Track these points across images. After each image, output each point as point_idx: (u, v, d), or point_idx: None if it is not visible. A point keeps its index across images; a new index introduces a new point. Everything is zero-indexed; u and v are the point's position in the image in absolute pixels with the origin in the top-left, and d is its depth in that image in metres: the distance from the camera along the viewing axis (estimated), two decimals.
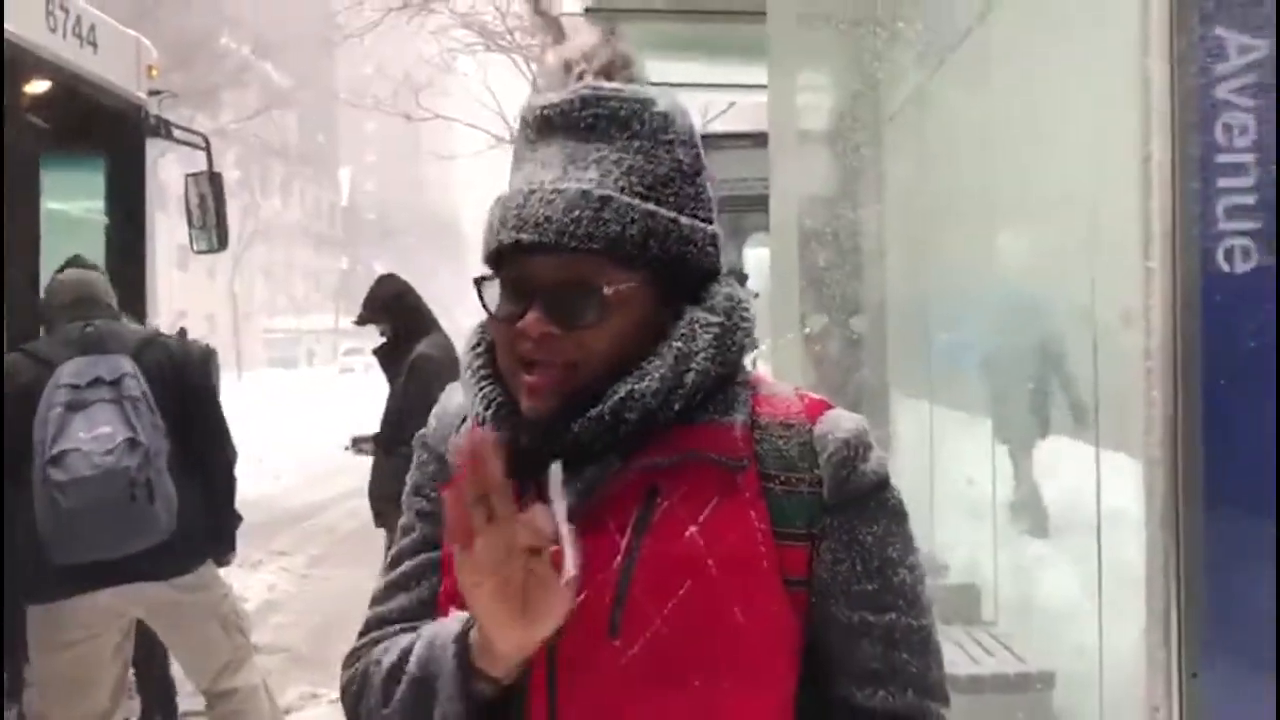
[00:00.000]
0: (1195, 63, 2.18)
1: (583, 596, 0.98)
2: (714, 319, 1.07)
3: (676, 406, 1.04)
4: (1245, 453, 2.15)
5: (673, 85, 6.65)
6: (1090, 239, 3.14)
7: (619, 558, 1.01)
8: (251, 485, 13.69)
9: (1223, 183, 2.17)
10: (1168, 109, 2.19)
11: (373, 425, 4.65)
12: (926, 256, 4.98)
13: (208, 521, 3.34)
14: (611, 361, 1.04)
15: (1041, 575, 3.73)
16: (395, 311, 4.68)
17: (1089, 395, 3.28)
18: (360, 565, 8.23)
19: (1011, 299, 4.25)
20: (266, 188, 55.54)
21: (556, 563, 0.93)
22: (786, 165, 4.57)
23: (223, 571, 3.47)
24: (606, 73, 1.10)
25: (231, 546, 3.49)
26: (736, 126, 9.59)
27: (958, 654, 3.43)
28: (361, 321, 4.76)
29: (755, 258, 6.12)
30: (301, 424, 20.34)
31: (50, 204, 5.16)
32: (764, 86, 5.50)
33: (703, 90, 7.50)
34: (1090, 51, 2.98)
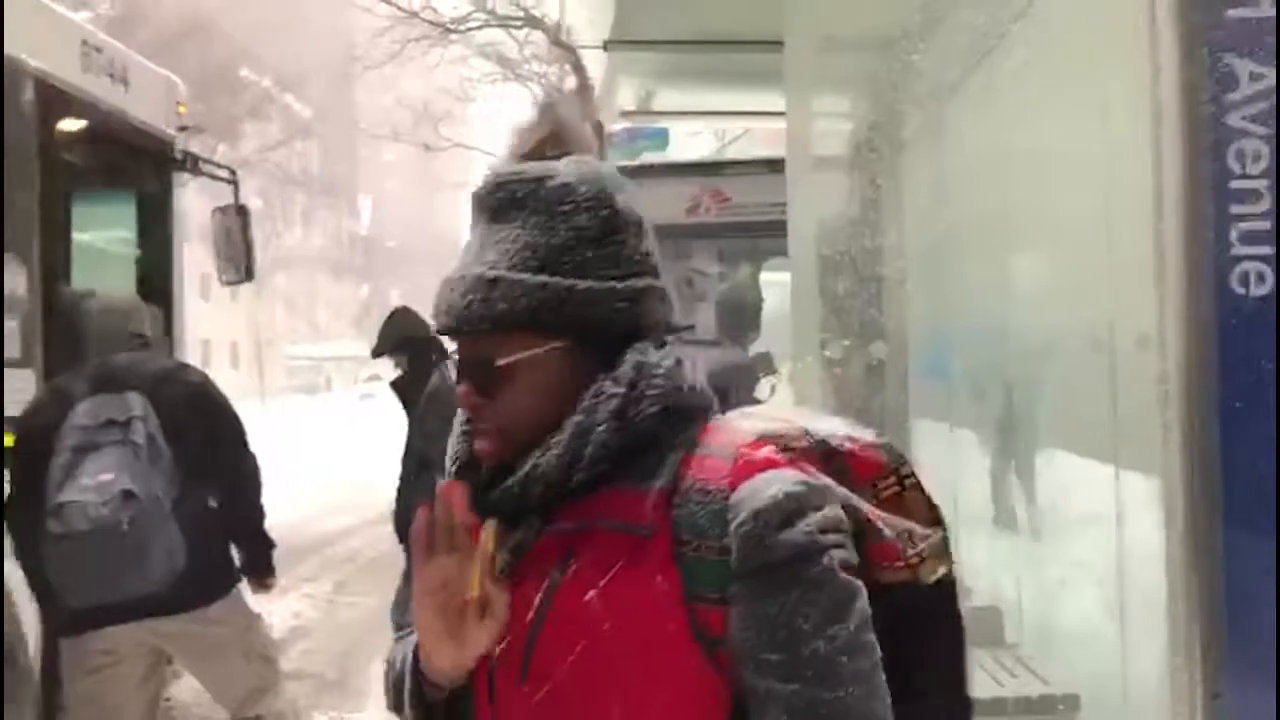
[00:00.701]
0: (1206, 91, 2.23)
1: (506, 642, 1.10)
2: (617, 390, 1.10)
3: (577, 478, 1.10)
4: (1264, 474, 2.17)
5: (688, 113, 6.74)
6: (1105, 264, 3.18)
7: (530, 613, 1.10)
8: (275, 513, 13.75)
9: (1236, 209, 2.20)
10: (1179, 136, 2.23)
11: (394, 448, 4.71)
12: (944, 282, 5.02)
13: (240, 551, 3.38)
14: (533, 427, 1.12)
15: (1064, 598, 3.74)
16: (410, 344, 4.74)
17: (1104, 418, 3.31)
18: (384, 592, 8.28)
19: (1027, 324, 4.29)
20: (288, 217, 55.99)
21: (484, 604, 1.08)
22: (804, 190, 4.62)
23: (248, 599, 3.48)
24: (539, 152, 1.17)
25: (269, 571, 3.51)
26: (752, 152, 9.68)
27: (981, 677, 3.45)
28: (377, 354, 4.84)
29: (772, 281, 6.17)
30: (324, 451, 20.46)
31: (81, 237, 5.28)
32: (780, 113, 5.58)
33: (719, 118, 7.58)
34: (1102, 80, 3.02)
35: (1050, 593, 3.91)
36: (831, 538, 1.08)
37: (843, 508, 1.11)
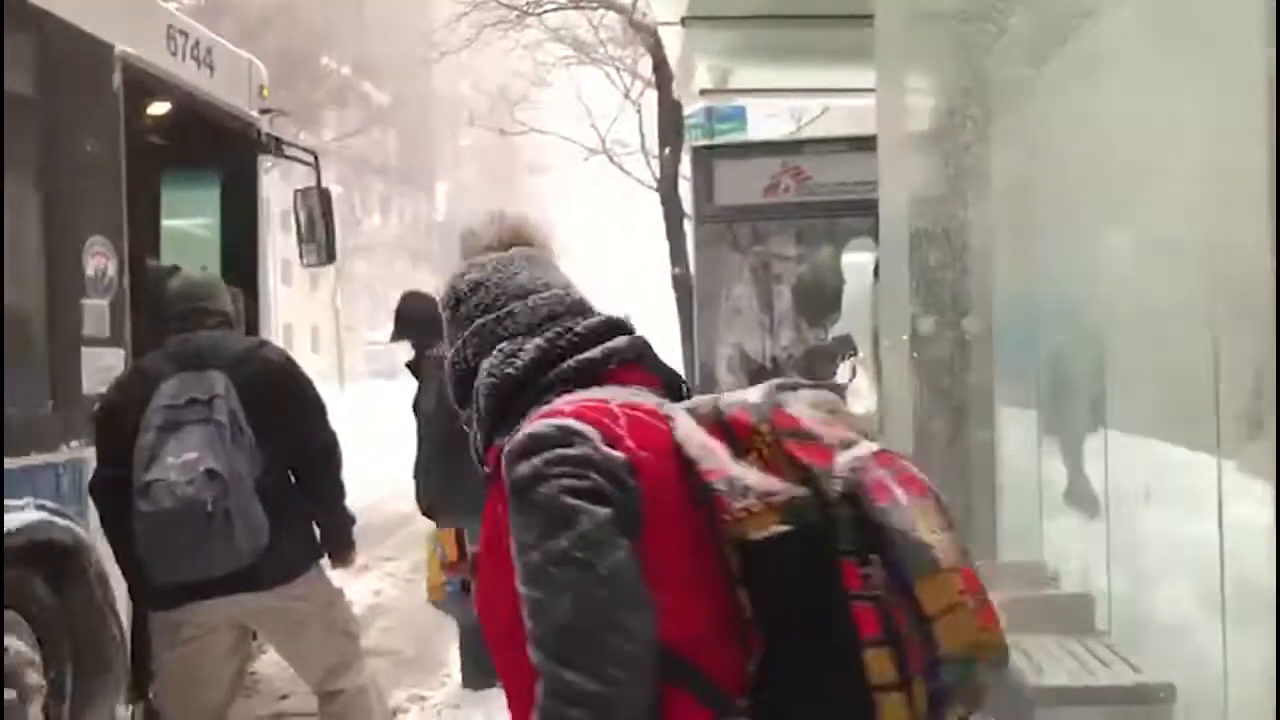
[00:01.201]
0: None
1: None
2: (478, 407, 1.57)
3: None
4: None
5: (767, 91, 6.63)
6: (1210, 240, 3.04)
7: None
8: (354, 494, 13.99)
9: None
10: None
11: None
12: (1034, 256, 4.88)
13: (321, 527, 3.41)
14: None
15: (1159, 585, 3.61)
16: (420, 326, 4.81)
17: (1205, 399, 3.17)
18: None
19: (1122, 302, 4.14)
20: (367, 204, 56.83)
21: None
22: (896, 166, 4.51)
23: (334, 574, 3.49)
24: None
25: (349, 546, 3.53)
26: (831, 132, 9.51)
27: (1072, 665, 3.34)
28: (394, 338, 4.98)
29: (852, 264, 6.06)
30: (401, 433, 20.75)
31: (168, 220, 5.39)
32: (861, 90, 5.45)
33: (799, 95, 7.45)
34: (1208, 44, 2.88)
35: (1143, 580, 3.78)
36: (558, 469, 1.32)
37: (687, 464, 1.33)
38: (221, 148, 5.15)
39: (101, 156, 3.97)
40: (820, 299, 5.96)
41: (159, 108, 4.70)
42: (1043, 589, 3.88)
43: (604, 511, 1.30)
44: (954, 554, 1.31)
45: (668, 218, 8.68)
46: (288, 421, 3.21)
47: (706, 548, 1.34)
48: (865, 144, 6.50)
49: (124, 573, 3.26)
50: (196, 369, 3.12)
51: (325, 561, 3.53)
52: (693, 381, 7.00)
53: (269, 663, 5.28)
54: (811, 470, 1.31)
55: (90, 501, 3.37)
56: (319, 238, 5.60)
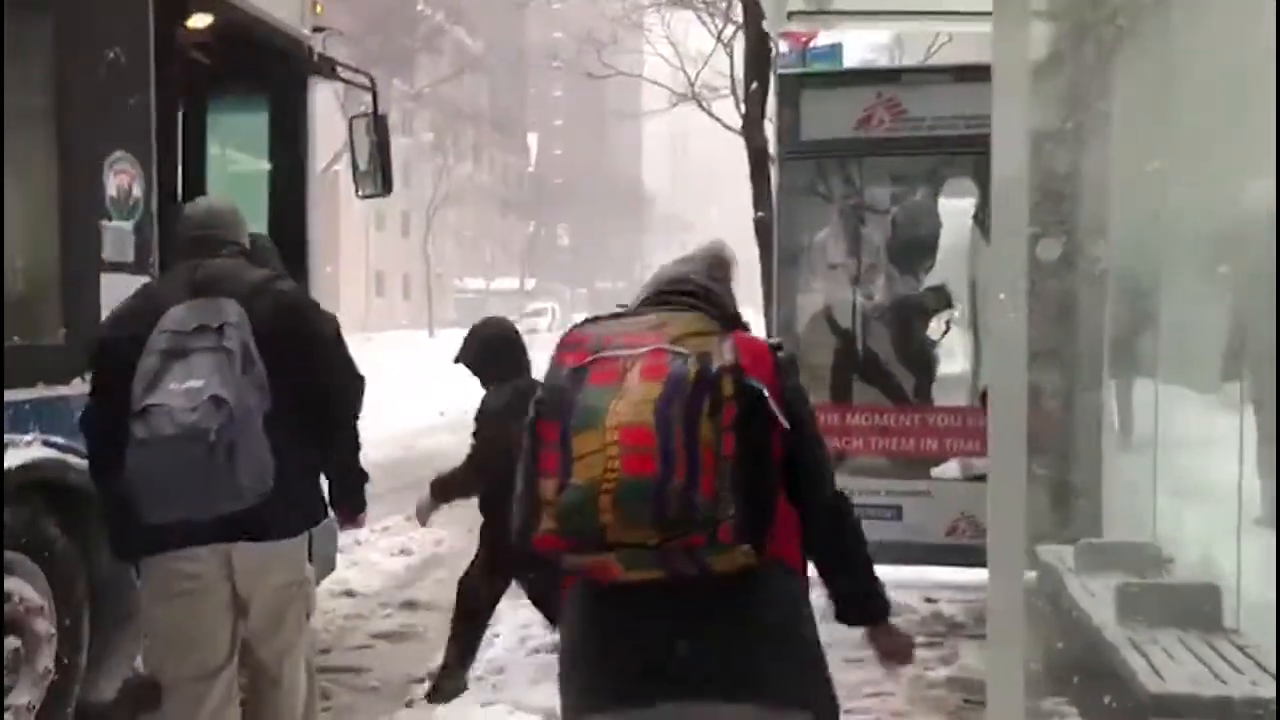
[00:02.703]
0: None
1: None
2: None
3: None
4: None
5: (864, 14, 6.04)
6: None
7: None
8: (427, 437, 13.93)
9: None
10: None
11: None
12: (1156, 201, 4.31)
13: (331, 480, 3.13)
14: None
15: None
16: (473, 363, 4.62)
17: None
18: None
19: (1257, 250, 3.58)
20: (459, 152, 57.00)
21: None
22: (1013, 100, 3.97)
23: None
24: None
25: (360, 504, 3.24)
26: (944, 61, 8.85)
27: (1197, 669, 2.86)
28: (457, 361, 4.70)
29: (951, 208, 5.51)
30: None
31: (212, 149, 5.09)
32: (980, 13, 4.87)
33: (902, 19, 6.84)
34: None
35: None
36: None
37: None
38: (268, 68, 4.81)
39: (127, 66, 3.65)
40: (914, 245, 5.44)
41: (197, 19, 4.37)
42: (1157, 575, 3.38)
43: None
44: (631, 417, 1.80)
45: (752, 159, 8.16)
46: (303, 361, 2.93)
47: None
48: (968, 74, 5.93)
49: (110, 516, 2.95)
50: (207, 296, 2.87)
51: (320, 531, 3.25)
52: (771, 332, 6.54)
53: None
54: (559, 369, 1.96)
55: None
56: (375, 167, 5.24)
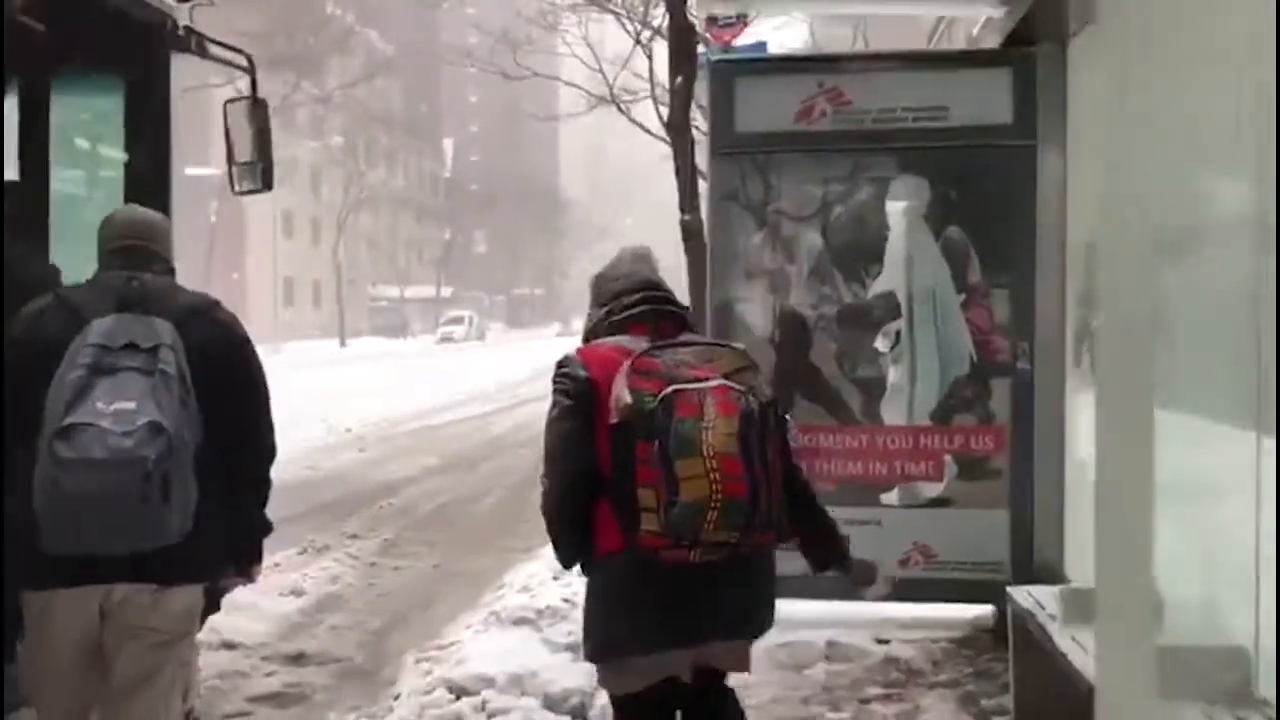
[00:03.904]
0: None
1: None
2: None
3: None
4: None
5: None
6: None
7: None
8: (332, 456, 13.16)
9: None
10: None
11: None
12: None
13: (236, 529, 2.88)
14: None
15: None
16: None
17: None
18: (432, 553, 7.45)
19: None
20: (371, 157, 55.73)
21: None
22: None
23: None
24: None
25: (258, 558, 2.99)
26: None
27: None
28: None
29: (899, 208, 5.03)
30: (397, 395, 19.80)
31: (55, 136, 4.37)
32: None
33: (826, 6, 6.35)
34: None
35: None
36: (554, 376, 2.67)
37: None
38: (121, 42, 4.11)
39: None
40: (860, 249, 4.95)
41: None
42: (1170, 636, 2.89)
43: (568, 401, 2.62)
44: (722, 446, 2.40)
45: (678, 156, 7.62)
46: (232, 398, 2.79)
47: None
48: (916, 61, 5.50)
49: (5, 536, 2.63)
50: (135, 313, 2.70)
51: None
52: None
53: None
54: (641, 393, 2.48)
55: None
56: (253, 158, 4.56)
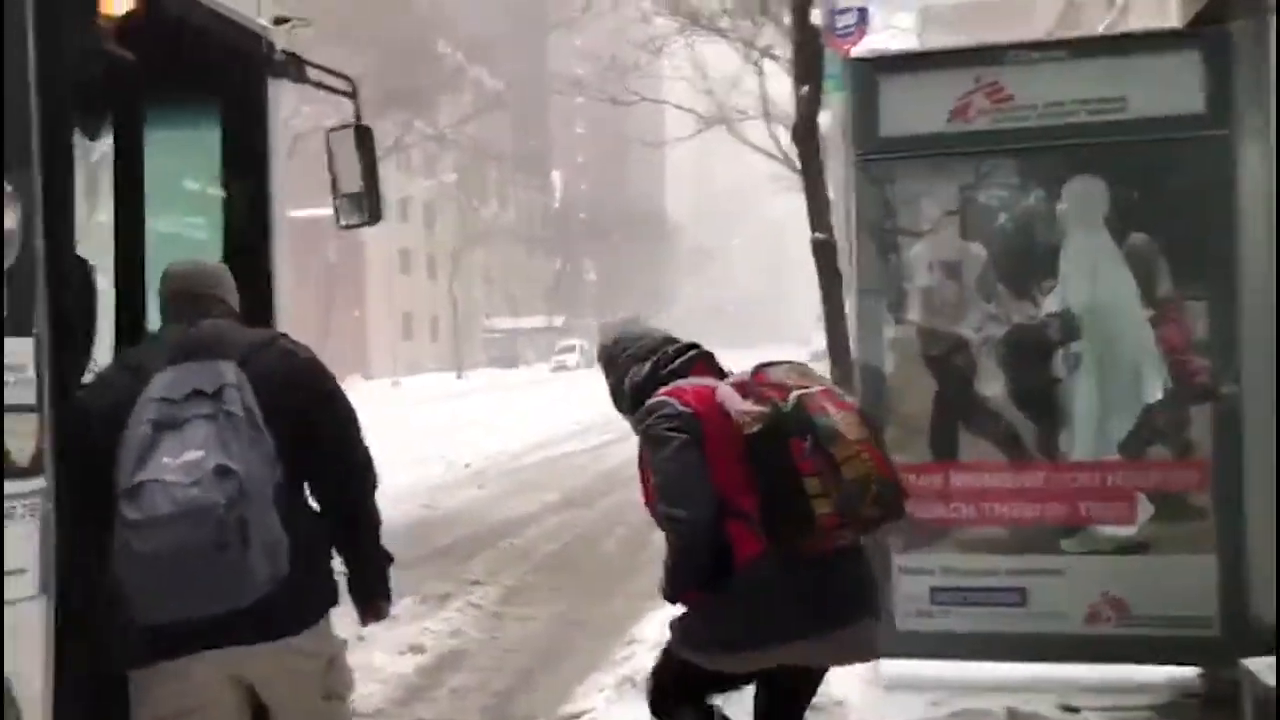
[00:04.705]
0: None
1: None
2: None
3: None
4: None
5: None
6: None
7: None
8: (452, 494, 12.93)
9: None
10: None
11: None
12: None
13: (349, 567, 2.80)
14: None
15: None
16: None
17: None
18: (558, 600, 7.04)
19: None
20: (483, 192, 56.47)
21: None
22: None
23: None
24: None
25: (384, 594, 2.84)
26: None
27: None
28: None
29: (1074, 212, 4.41)
30: (514, 427, 19.61)
31: (150, 171, 4.11)
32: None
33: None
34: None
35: None
36: (649, 421, 2.83)
37: (720, 406, 2.80)
38: (217, 69, 3.82)
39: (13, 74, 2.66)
40: (1030, 262, 4.37)
41: (114, 4, 3.41)
42: None
43: (683, 435, 2.77)
44: (856, 433, 2.69)
45: (806, 171, 7.10)
46: (312, 429, 2.67)
47: (732, 444, 2.74)
48: (1087, 47, 4.88)
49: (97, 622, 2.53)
50: (198, 359, 2.61)
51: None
52: (849, 379, 5.48)
53: None
54: (773, 401, 2.74)
55: None
56: (359, 189, 4.23)
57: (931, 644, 4.41)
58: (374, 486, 2.84)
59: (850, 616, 2.81)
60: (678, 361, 2.98)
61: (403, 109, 38.40)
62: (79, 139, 4.07)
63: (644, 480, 2.90)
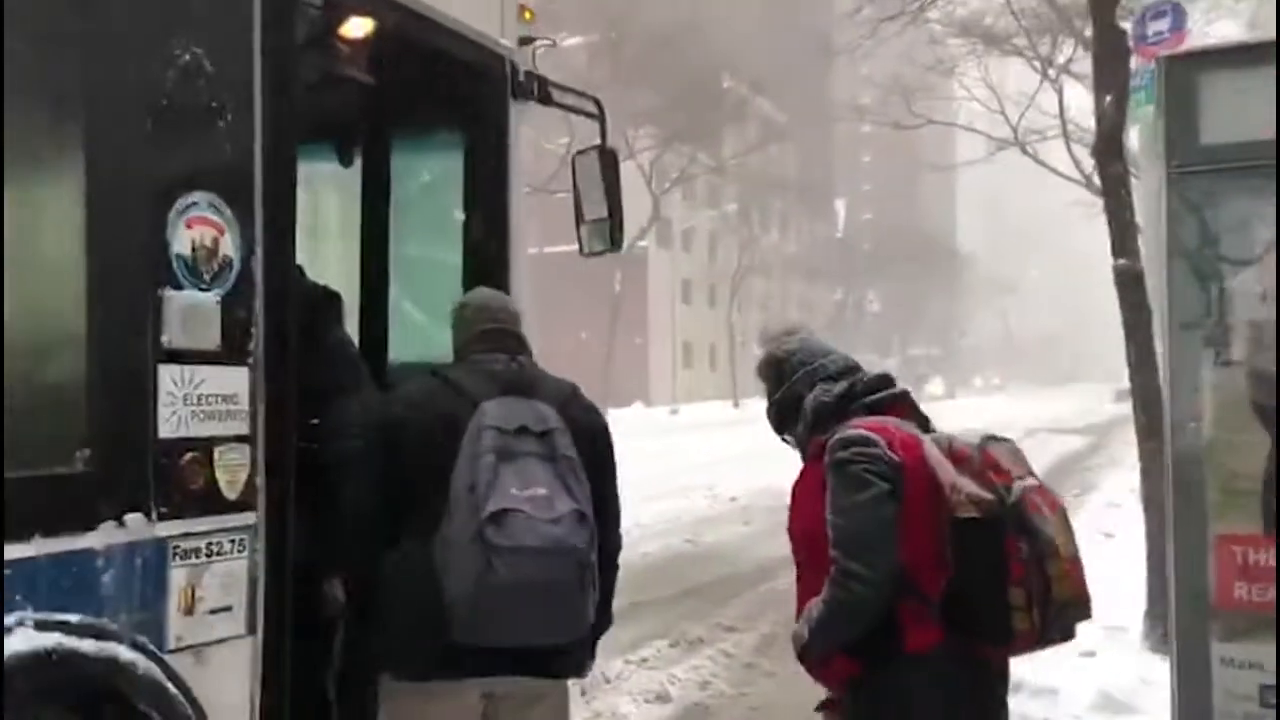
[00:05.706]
0: None
1: None
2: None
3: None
4: None
5: None
6: None
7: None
8: (715, 529, 12.61)
9: None
10: None
11: None
12: None
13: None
14: None
15: None
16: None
17: None
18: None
19: None
20: (765, 222, 56.45)
21: None
22: None
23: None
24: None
25: (592, 654, 2.93)
26: None
27: None
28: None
29: None
30: (785, 458, 19.10)
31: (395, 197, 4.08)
32: None
33: None
34: None
35: None
36: (847, 454, 2.55)
37: (930, 469, 2.54)
38: (460, 91, 3.72)
39: (215, 75, 2.60)
40: None
41: (350, 26, 3.36)
42: None
43: (885, 485, 2.51)
44: (1069, 548, 2.49)
45: (1107, 190, 6.31)
46: (600, 484, 2.79)
47: (933, 516, 2.49)
48: None
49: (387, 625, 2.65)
50: (520, 396, 2.73)
51: None
52: (1157, 429, 4.73)
53: None
54: (998, 488, 2.48)
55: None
56: (603, 215, 4.02)
57: None
58: (619, 548, 2.97)
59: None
60: (880, 394, 2.71)
61: (686, 142, 38.98)
62: (331, 165, 4.11)
63: (797, 507, 2.71)
